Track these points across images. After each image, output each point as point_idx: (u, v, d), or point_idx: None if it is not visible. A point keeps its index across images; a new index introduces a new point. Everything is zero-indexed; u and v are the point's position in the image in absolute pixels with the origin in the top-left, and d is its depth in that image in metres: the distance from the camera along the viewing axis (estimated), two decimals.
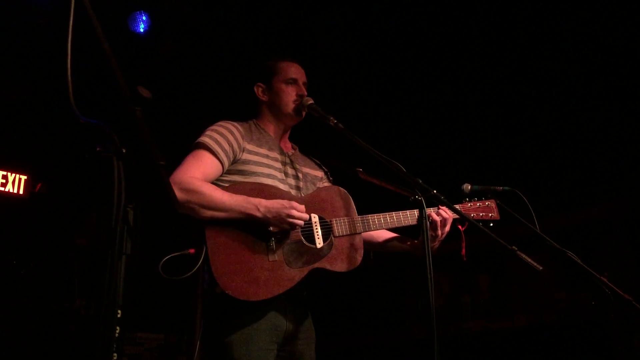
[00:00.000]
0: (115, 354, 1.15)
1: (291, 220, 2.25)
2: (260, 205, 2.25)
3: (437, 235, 2.49)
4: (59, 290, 5.09)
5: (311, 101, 2.55)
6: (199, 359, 2.33)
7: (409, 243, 2.64)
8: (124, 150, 1.27)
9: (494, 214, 2.70)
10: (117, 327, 1.16)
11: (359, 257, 2.44)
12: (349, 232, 2.44)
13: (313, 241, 2.36)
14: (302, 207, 2.31)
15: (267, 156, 2.50)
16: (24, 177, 5.77)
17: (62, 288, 5.08)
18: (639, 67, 3.90)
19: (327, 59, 4.82)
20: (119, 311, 1.17)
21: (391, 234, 2.69)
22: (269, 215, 2.24)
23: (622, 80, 4.03)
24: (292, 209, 2.26)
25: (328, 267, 2.36)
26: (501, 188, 2.66)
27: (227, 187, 2.35)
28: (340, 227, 2.43)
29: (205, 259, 2.18)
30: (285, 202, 2.28)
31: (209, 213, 2.21)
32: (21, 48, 4.79)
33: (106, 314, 1.14)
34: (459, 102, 4.81)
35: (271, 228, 2.27)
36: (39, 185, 5.71)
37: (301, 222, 2.28)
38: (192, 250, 2.20)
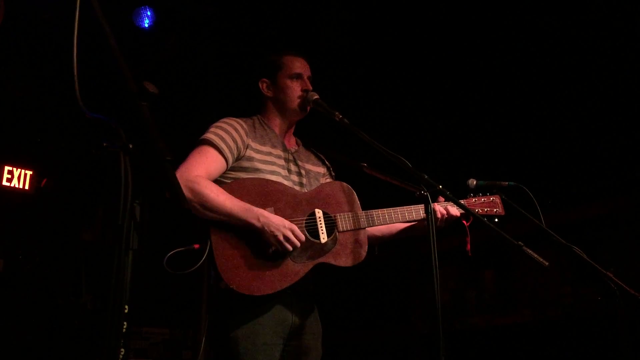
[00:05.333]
0: (122, 349, 1.15)
1: (284, 242, 2.24)
2: (261, 216, 2.24)
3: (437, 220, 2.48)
4: (65, 286, 5.11)
5: (316, 96, 2.54)
6: (204, 353, 2.34)
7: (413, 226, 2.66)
8: (130, 146, 1.27)
9: (498, 210, 2.69)
10: (125, 323, 1.17)
11: (364, 252, 2.44)
12: (353, 227, 2.44)
13: (317, 236, 2.36)
14: (301, 234, 2.30)
15: (270, 153, 2.50)
16: (29, 173, 5.78)
17: (69, 283, 5.10)
18: None
19: (332, 54, 4.81)
20: (126, 306, 1.17)
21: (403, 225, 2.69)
22: (266, 229, 2.23)
23: (628, 75, 4.01)
24: (290, 231, 2.26)
25: (332, 262, 2.36)
26: (506, 183, 2.66)
27: (231, 183, 2.35)
28: (344, 222, 2.43)
29: (210, 254, 2.19)
30: (287, 223, 2.27)
31: (210, 214, 2.22)
32: (27, 43, 4.80)
33: (114, 310, 1.14)
34: (464, 97, 4.80)
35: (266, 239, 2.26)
36: (44, 181, 5.72)
37: (290, 248, 2.26)
38: (196, 246, 2.21)
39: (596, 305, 3.88)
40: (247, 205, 2.26)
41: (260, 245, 2.26)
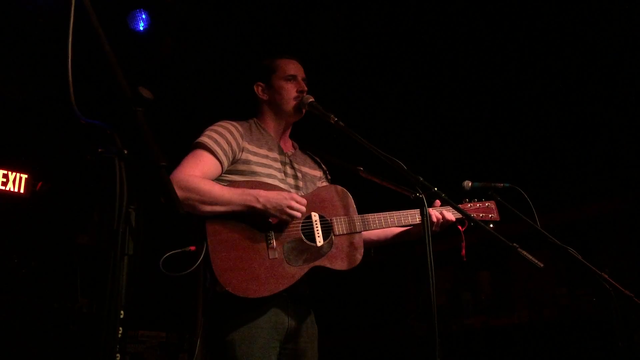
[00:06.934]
0: (118, 355, 1.15)
1: (290, 211, 2.27)
2: (259, 196, 2.26)
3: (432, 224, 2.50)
4: (60, 290, 5.09)
5: (312, 99, 2.55)
6: (200, 356, 2.34)
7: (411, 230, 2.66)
8: (125, 151, 1.27)
9: (493, 215, 2.70)
10: (120, 328, 1.16)
11: (359, 256, 2.44)
12: (348, 231, 2.45)
13: (313, 239, 2.37)
14: (303, 199, 2.33)
15: (266, 156, 2.50)
16: (24, 176, 5.76)
17: (64, 287, 5.08)
18: None
19: (327, 57, 4.82)
20: (122, 312, 1.17)
21: (398, 229, 2.69)
22: (268, 206, 2.25)
23: (623, 76, 4.03)
24: (292, 200, 2.28)
25: (328, 265, 2.36)
26: (502, 185, 2.66)
27: (227, 185, 2.35)
28: (340, 226, 2.44)
29: (206, 256, 2.19)
30: (285, 194, 2.31)
31: (208, 208, 2.22)
32: (22, 47, 4.79)
33: (109, 315, 1.14)
34: (460, 99, 4.81)
35: (270, 220, 2.28)
36: (39, 184, 5.71)
37: (299, 214, 2.30)
38: (192, 248, 2.20)
39: (591, 306, 3.89)
40: (243, 189, 2.28)
41: (260, 238, 2.27)
